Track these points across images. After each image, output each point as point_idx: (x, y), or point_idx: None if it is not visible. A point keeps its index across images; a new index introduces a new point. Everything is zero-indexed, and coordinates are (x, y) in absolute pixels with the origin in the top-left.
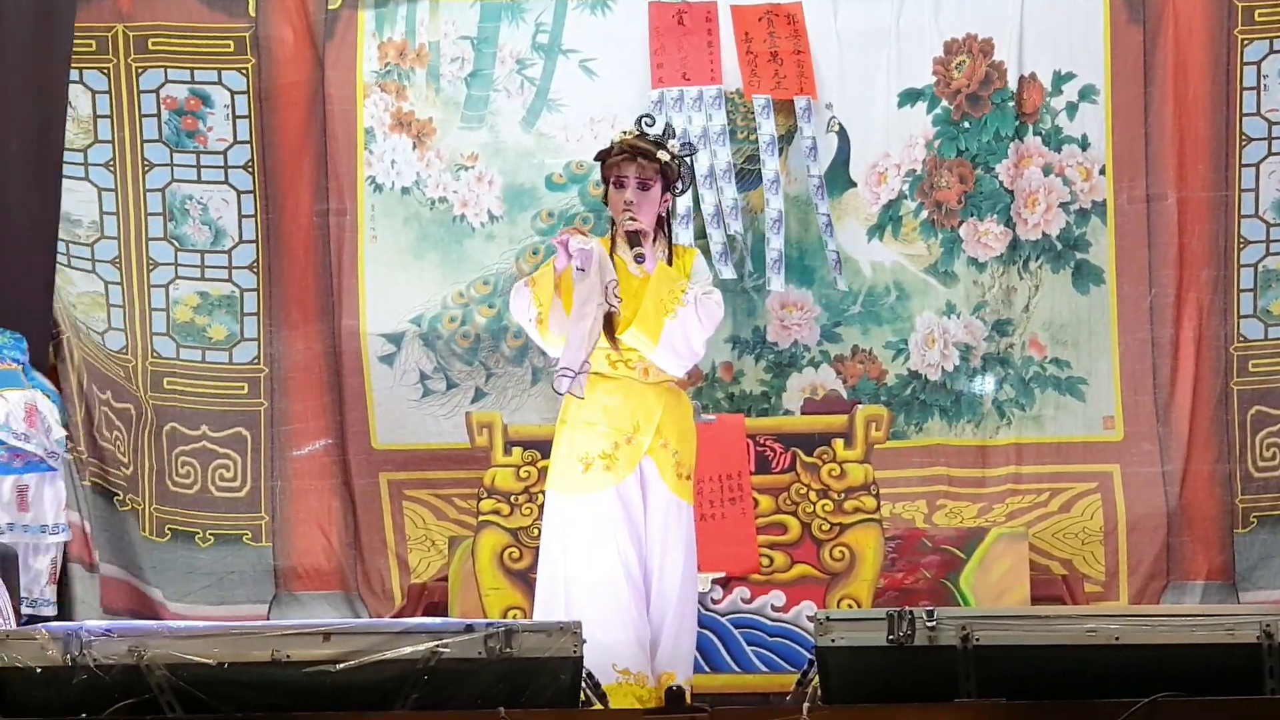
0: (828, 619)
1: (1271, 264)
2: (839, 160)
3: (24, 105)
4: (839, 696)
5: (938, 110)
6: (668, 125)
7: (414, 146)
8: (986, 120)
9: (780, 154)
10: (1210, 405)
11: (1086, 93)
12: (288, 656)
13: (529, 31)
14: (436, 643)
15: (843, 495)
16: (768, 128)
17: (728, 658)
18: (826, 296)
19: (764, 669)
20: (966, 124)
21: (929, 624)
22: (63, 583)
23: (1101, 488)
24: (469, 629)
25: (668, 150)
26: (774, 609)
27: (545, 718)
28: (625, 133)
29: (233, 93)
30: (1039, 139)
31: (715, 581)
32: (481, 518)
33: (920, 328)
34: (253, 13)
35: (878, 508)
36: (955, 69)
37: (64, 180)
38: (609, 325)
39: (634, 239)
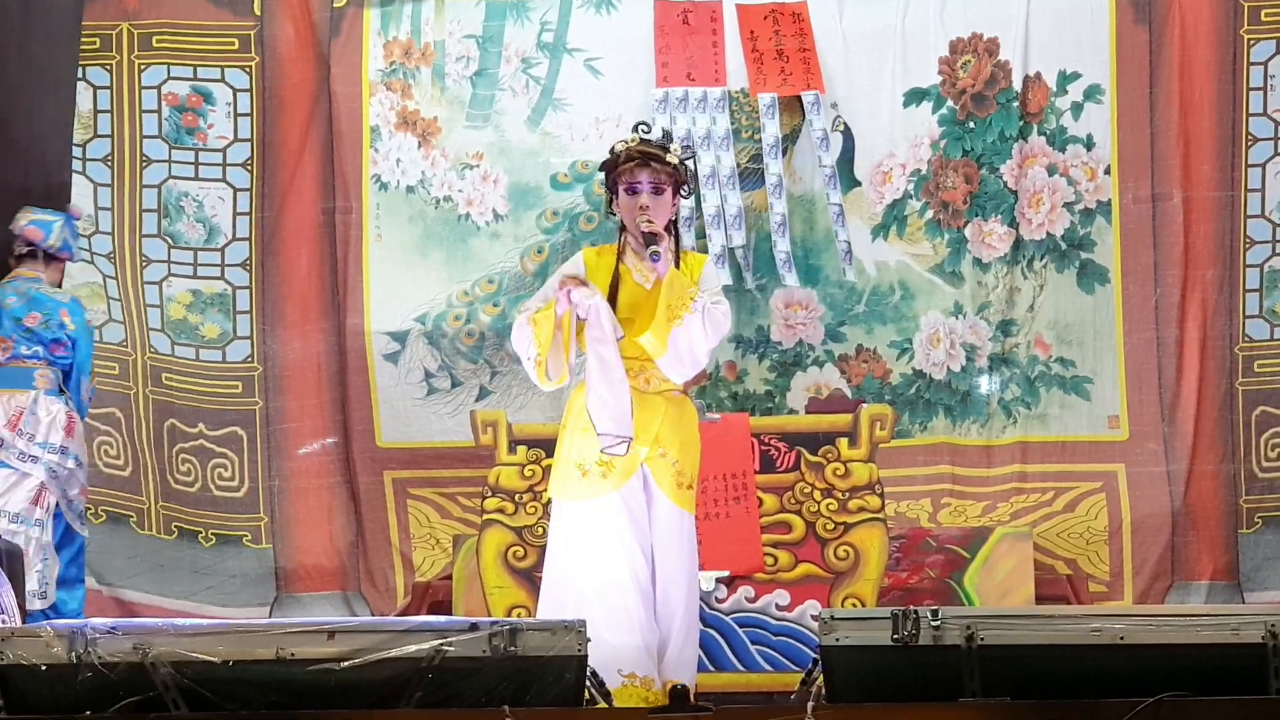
0: (832, 618)
1: (1277, 264)
2: (843, 159)
3: (42, 99)
4: (843, 696)
5: (943, 110)
6: (665, 130)
7: (419, 145)
8: (991, 120)
9: (785, 154)
10: (1215, 405)
11: (1092, 93)
12: (292, 654)
13: (534, 30)
14: (441, 641)
15: (847, 494)
16: (772, 129)
17: (732, 657)
18: (831, 296)
19: (768, 668)
20: (971, 124)
21: (934, 623)
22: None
23: (1106, 487)
24: (473, 627)
25: (675, 153)
26: (778, 608)
27: (550, 716)
28: (627, 140)
29: (235, 90)
30: (1043, 139)
31: (720, 580)
32: (486, 516)
33: (925, 327)
34: (258, 11)
35: (882, 507)
36: (961, 69)
37: None
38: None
39: (650, 239)
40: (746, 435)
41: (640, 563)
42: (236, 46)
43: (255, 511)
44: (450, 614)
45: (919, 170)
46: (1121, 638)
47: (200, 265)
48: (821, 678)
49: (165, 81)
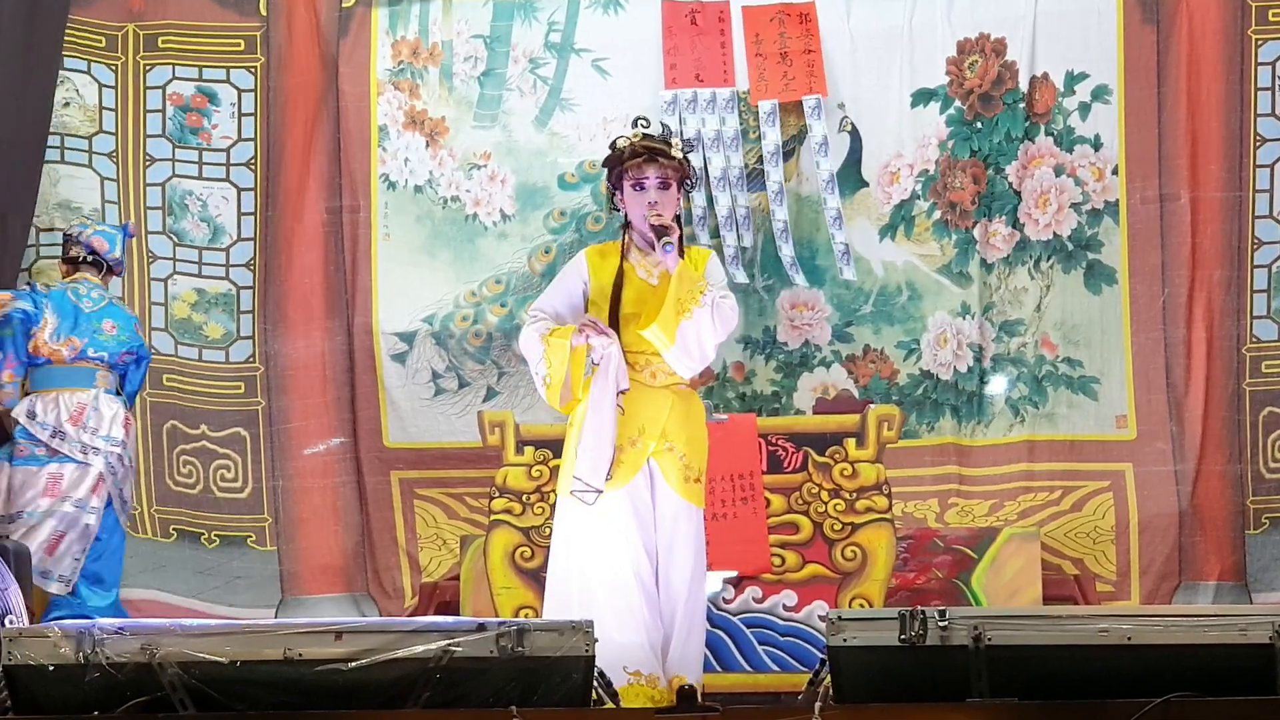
0: (839, 618)
1: None
2: (851, 160)
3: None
4: (851, 696)
5: (950, 110)
6: (664, 125)
7: (427, 145)
8: (998, 121)
9: (791, 156)
10: (1222, 406)
11: (1099, 93)
12: (300, 655)
13: (542, 31)
14: (448, 641)
15: (854, 495)
16: (773, 136)
17: (739, 657)
18: (838, 296)
19: (775, 668)
20: (979, 124)
21: (941, 624)
22: None
23: (1114, 486)
24: (481, 628)
25: (677, 148)
26: (786, 608)
27: (557, 717)
28: (629, 136)
29: (240, 91)
30: (1050, 139)
31: (727, 581)
32: (493, 517)
33: (933, 328)
34: (264, 12)
35: (889, 507)
36: (968, 69)
37: (66, 166)
38: (615, 324)
39: (661, 232)
40: (754, 436)
41: (643, 561)
42: (242, 48)
43: (259, 512)
44: (458, 614)
45: (926, 171)
46: (1129, 638)
47: (205, 264)
48: (829, 678)
49: (170, 82)
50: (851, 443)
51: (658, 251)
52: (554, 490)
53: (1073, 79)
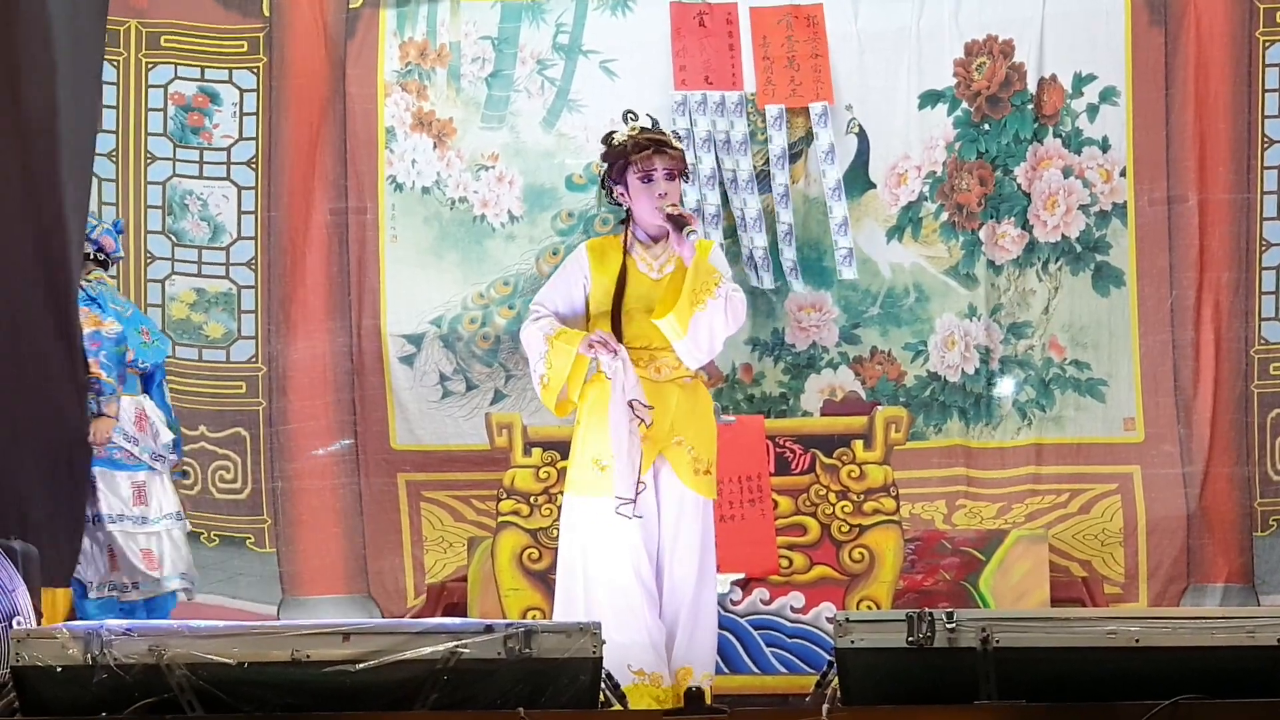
0: (847, 620)
1: None
2: (858, 162)
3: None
4: (858, 698)
5: (958, 112)
6: (651, 117)
7: (435, 146)
8: (1006, 122)
9: (799, 158)
10: (1230, 408)
11: (1107, 95)
12: (307, 656)
13: (549, 32)
14: (456, 643)
15: (862, 497)
16: (779, 140)
17: (747, 659)
18: (845, 298)
19: (783, 670)
20: (986, 126)
21: (949, 626)
22: None
23: (1122, 489)
24: (488, 629)
25: (676, 138)
26: (793, 610)
27: (565, 718)
28: (627, 130)
29: (242, 91)
30: (1059, 141)
31: (734, 583)
32: (501, 518)
33: (940, 329)
34: (267, 13)
35: (897, 509)
36: (976, 70)
37: None
38: (617, 320)
39: (681, 221)
40: (762, 437)
41: (644, 562)
42: (245, 49)
43: (259, 513)
44: (465, 616)
45: (934, 172)
46: (1137, 640)
47: (205, 264)
48: (836, 680)
49: (172, 81)
50: (859, 444)
51: (674, 244)
52: (562, 492)
53: (1080, 81)
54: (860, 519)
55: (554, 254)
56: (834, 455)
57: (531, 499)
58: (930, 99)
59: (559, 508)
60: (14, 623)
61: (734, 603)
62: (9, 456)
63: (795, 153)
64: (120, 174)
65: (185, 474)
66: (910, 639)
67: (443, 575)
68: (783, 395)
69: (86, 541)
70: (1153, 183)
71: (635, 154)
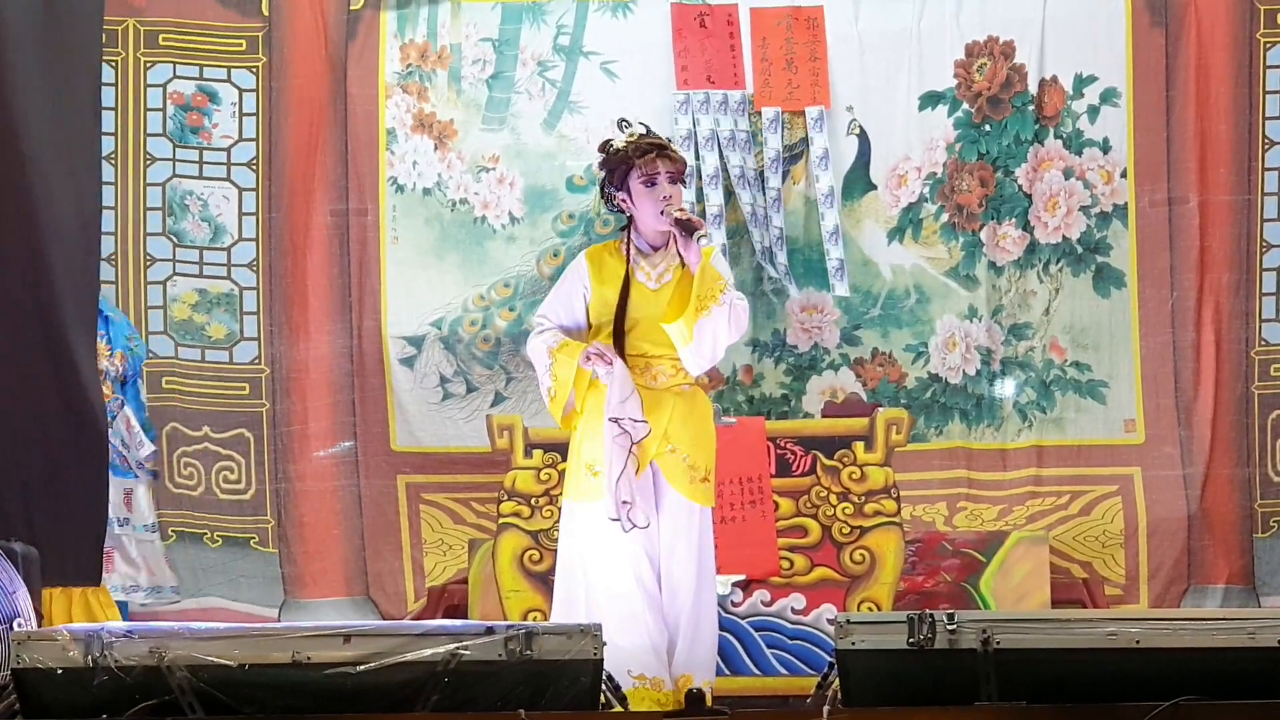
0: (848, 622)
1: None
2: (859, 163)
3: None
4: (859, 699)
5: (959, 113)
6: (643, 124)
7: (435, 148)
8: (1007, 123)
9: (800, 159)
10: (1231, 409)
11: (1108, 96)
12: (308, 658)
13: (550, 34)
14: (457, 645)
15: (863, 498)
16: (774, 143)
17: (747, 660)
18: (846, 300)
19: (784, 672)
20: (987, 127)
21: (949, 627)
22: None
23: (1122, 490)
24: (489, 631)
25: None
26: (794, 612)
27: None
28: (625, 137)
29: (241, 90)
30: (1059, 142)
31: (735, 584)
32: (502, 520)
33: (941, 331)
34: (266, 12)
35: (898, 511)
36: (976, 71)
37: None
38: (620, 332)
39: (689, 226)
40: (762, 439)
41: (644, 566)
42: (244, 48)
43: (262, 514)
44: (466, 618)
45: (934, 173)
46: (1137, 641)
47: (206, 265)
48: (837, 681)
49: (170, 80)
50: (860, 446)
51: (681, 248)
52: (561, 493)
53: (1081, 82)
54: (861, 520)
55: (554, 255)
56: (835, 457)
57: (532, 501)
58: (931, 100)
59: (560, 509)
60: (15, 624)
61: (735, 604)
62: (21, 450)
63: (796, 154)
64: (119, 175)
65: (155, 474)
66: (911, 640)
67: (443, 578)
68: (783, 397)
69: None
70: (1153, 184)
71: (638, 158)
